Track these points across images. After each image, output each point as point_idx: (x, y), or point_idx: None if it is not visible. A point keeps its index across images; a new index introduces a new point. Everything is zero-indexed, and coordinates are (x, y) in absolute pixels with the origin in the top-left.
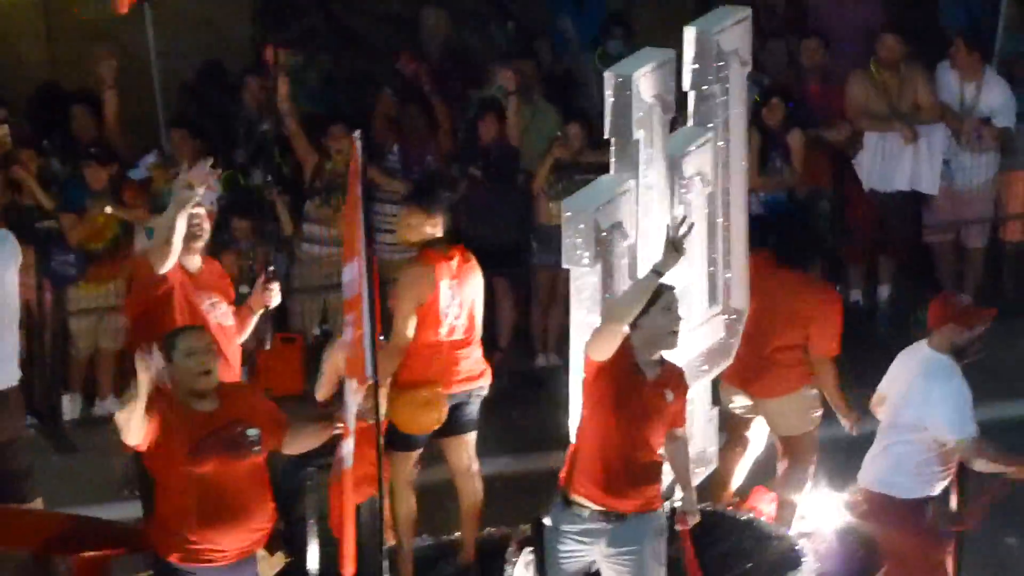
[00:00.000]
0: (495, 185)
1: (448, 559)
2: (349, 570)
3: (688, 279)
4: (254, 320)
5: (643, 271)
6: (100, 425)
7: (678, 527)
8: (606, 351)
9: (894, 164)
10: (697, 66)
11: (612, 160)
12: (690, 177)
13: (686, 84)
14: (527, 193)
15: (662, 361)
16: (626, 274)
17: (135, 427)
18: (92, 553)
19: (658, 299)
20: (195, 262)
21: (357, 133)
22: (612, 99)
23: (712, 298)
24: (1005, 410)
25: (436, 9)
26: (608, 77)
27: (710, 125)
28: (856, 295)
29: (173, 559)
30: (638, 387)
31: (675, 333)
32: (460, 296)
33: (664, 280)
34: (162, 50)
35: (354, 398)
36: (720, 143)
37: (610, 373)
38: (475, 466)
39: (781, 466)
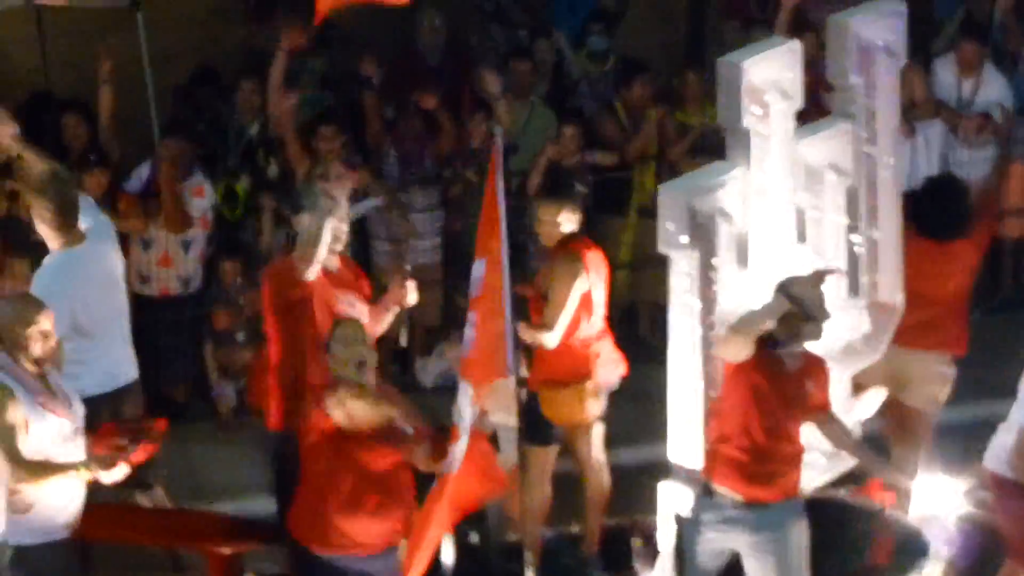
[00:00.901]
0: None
1: (570, 550)
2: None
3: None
4: (389, 318)
5: (756, 258)
6: None
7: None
8: (738, 357)
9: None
10: (836, 57)
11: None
12: (819, 168)
13: (829, 75)
14: (521, 195)
15: (804, 352)
16: (733, 260)
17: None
18: (225, 548)
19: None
20: (333, 262)
21: (499, 130)
22: (722, 87)
23: (852, 290)
24: (1004, 407)
25: (432, 10)
26: (720, 64)
27: (849, 117)
28: None
29: (323, 551)
30: (780, 379)
31: (817, 329)
32: (599, 286)
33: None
34: (154, 54)
35: (468, 399)
36: (864, 135)
37: (751, 366)
38: (602, 457)
39: (896, 452)
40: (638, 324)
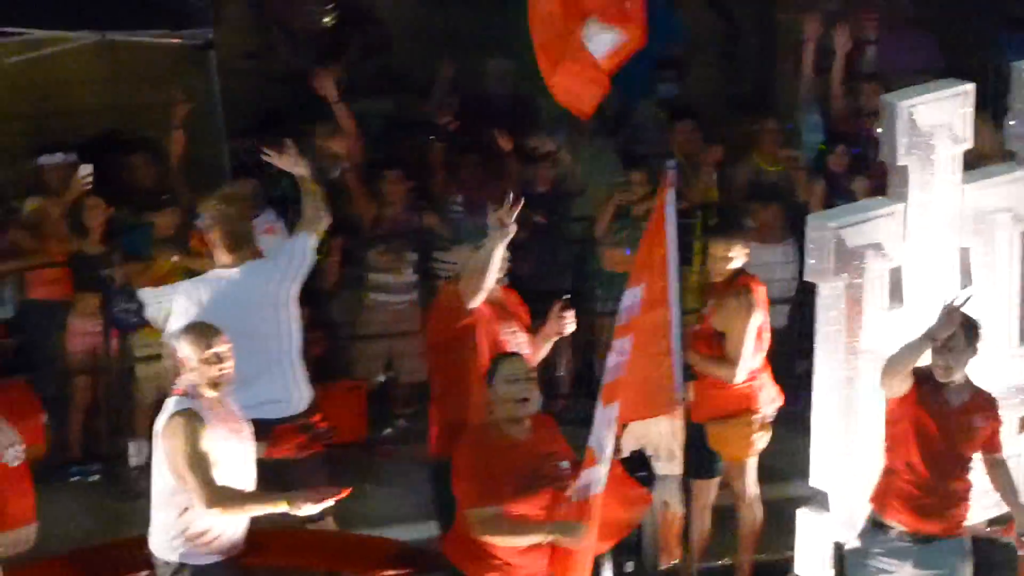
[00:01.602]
0: (555, 231)
1: None
2: None
3: (995, 313)
4: (548, 347)
5: (911, 292)
6: None
7: (1017, 546)
8: (895, 392)
9: None
10: (1019, 105)
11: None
12: (993, 211)
13: (1008, 120)
14: (586, 239)
15: (971, 387)
16: (884, 294)
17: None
18: (387, 572)
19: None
20: (496, 292)
21: (671, 163)
22: (884, 124)
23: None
24: None
25: (502, 60)
26: (882, 102)
27: None
28: None
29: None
30: (944, 413)
31: (962, 362)
32: (766, 320)
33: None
34: (226, 95)
35: (608, 425)
36: None
37: (912, 399)
38: (755, 490)
39: None
40: None
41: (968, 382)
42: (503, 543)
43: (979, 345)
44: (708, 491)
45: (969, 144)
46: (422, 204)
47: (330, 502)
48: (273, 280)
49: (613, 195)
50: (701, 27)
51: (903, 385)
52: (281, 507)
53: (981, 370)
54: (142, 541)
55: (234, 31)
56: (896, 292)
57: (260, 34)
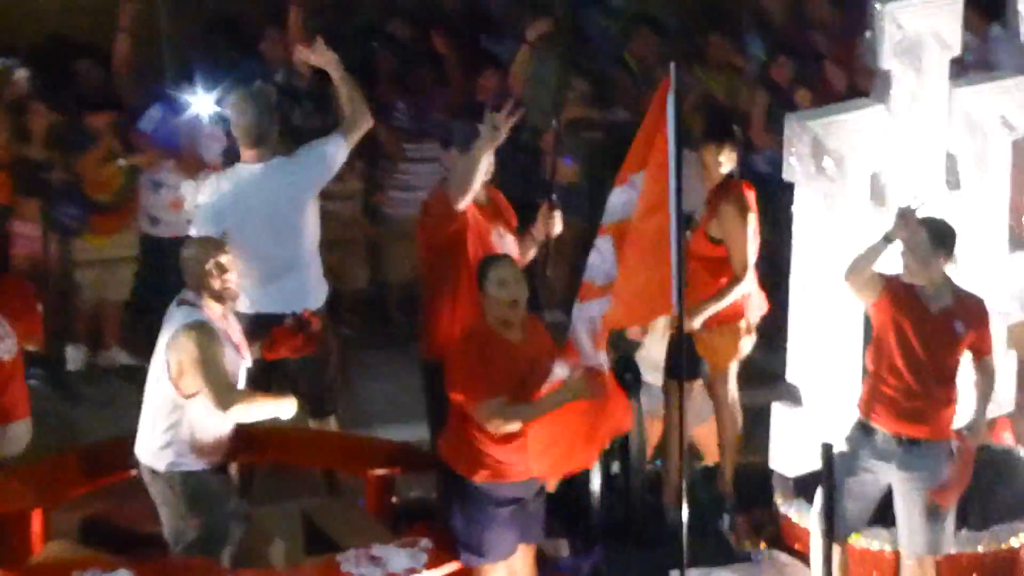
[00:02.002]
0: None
1: (705, 485)
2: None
3: (984, 223)
4: (535, 248)
5: (896, 199)
6: (104, 375)
7: (956, 443)
8: (866, 297)
9: None
10: (1013, 18)
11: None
12: (981, 119)
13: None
14: (533, 150)
15: (953, 292)
16: (866, 197)
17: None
18: (381, 471)
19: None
20: (483, 195)
21: (673, 66)
22: (873, 30)
23: (1019, 244)
24: None
25: None
26: (871, 7)
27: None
28: None
29: (471, 476)
30: (923, 318)
31: (927, 266)
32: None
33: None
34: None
35: (587, 322)
36: None
37: (889, 305)
38: (736, 395)
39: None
40: None
41: (950, 287)
42: (509, 428)
43: (951, 250)
44: (689, 393)
45: (958, 51)
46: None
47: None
48: (297, 179)
49: (560, 106)
50: None
51: (870, 289)
52: (288, 405)
53: (972, 276)
54: (122, 444)
55: None
56: (878, 195)
57: None
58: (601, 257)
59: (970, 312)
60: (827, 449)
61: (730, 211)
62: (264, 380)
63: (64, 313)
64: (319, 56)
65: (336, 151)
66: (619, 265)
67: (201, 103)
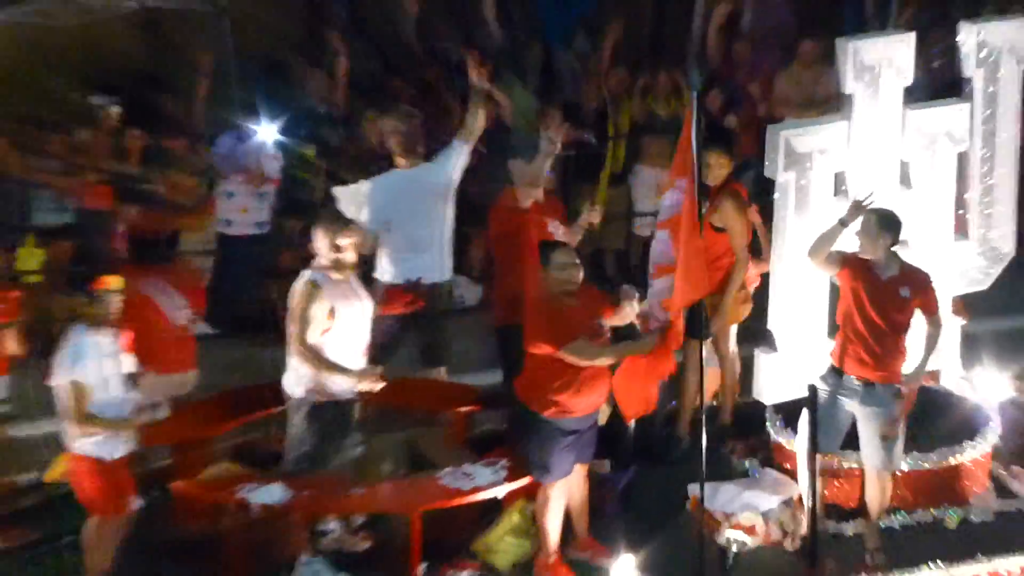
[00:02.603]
0: (494, 159)
1: (711, 421)
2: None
3: (936, 216)
4: (579, 235)
5: (855, 193)
6: None
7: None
8: (829, 270)
9: None
10: (965, 57)
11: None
12: (931, 134)
13: (965, 70)
14: None
15: (900, 265)
16: (828, 191)
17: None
18: (465, 408)
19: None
20: (541, 194)
21: (695, 75)
22: (839, 58)
23: (963, 234)
24: None
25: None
26: (838, 41)
27: (968, 99)
28: None
29: (545, 413)
30: (876, 286)
31: (875, 244)
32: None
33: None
34: (237, 48)
35: (659, 294)
36: (986, 112)
37: (847, 274)
38: (735, 348)
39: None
40: (605, 266)
41: (897, 261)
42: (595, 363)
43: (895, 232)
44: (699, 349)
45: (910, 80)
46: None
47: (379, 384)
48: (438, 179)
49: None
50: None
51: (831, 263)
52: (351, 379)
53: (924, 257)
54: (263, 387)
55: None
56: (838, 189)
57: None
58: (662, 246)
59: (914, 280)
60: (812, 389)
61: (730, 205)
62: (399, 335)
63: None
64: (482, 74)
65: (461, 155)
66: (675, 252)
67: (263, 131)
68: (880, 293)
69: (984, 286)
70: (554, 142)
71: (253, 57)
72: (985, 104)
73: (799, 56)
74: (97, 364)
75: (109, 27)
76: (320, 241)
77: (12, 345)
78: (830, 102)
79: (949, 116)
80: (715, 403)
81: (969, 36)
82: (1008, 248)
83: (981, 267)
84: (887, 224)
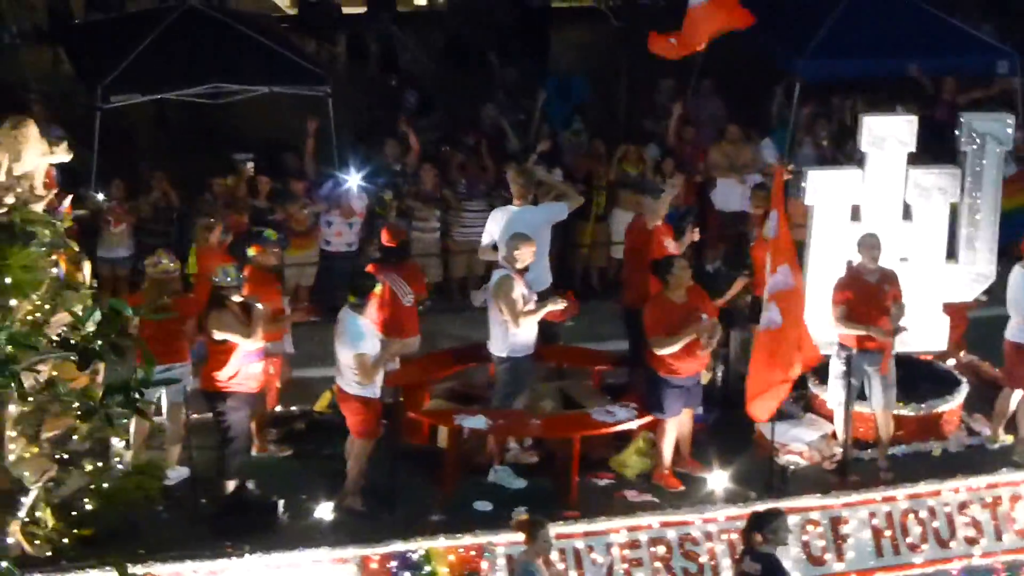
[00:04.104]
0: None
1: None
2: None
3: (930, 244)
4: (683, 249)
5: (869, 221)
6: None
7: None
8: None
9: (730, 194)
10: (962, 139)
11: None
12: (928, 188)
13: (959, 146)
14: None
15: (880, 269)
16: (847, 218)
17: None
18: (602, 367)
19: (863, 243)
20: (660, 220)
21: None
22: (860, 129)
23: (950, 256)
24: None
25: (490, 106)
26: (862, 118)
27: (962, 170)
28: (711, 266)
29: (662, 373)
30: (866, 287)
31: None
32: None
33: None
34: (337, 120)
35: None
36: (969, 178)
37: (847, 283)
38: None
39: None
40: (592, 279)
41: (878, 268)
42: (664, 352)
43: (873, 248)
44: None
45: (912, 147)
46: (443, 184)
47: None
48: (541, 217)
49: (669, 184)
50: (600, 92)
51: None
52: (552, 307)
53: (920, 275)
54: (469, 347)
55: (340, 87)
56: (855, 216)
57: (357, 89)
58: (770, 315)
59: (891, 279)
60: (849, 354)
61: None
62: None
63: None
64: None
65: (561, 211)
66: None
67: (353, 179)
68: (871, 293)
69: (969, 299)
70: (675, 186)
71: (348, 127)
72: (971, 171)
73: (727, 136)
74: (371, 338)
75: (248, 104)
76: (508, 250)
77: (299, 315)
78: (748, 168)
79: (943, 177)
80: None
81: (964, 123)
82: (990, 273)
83: (967, 284)
84: (860, 243)
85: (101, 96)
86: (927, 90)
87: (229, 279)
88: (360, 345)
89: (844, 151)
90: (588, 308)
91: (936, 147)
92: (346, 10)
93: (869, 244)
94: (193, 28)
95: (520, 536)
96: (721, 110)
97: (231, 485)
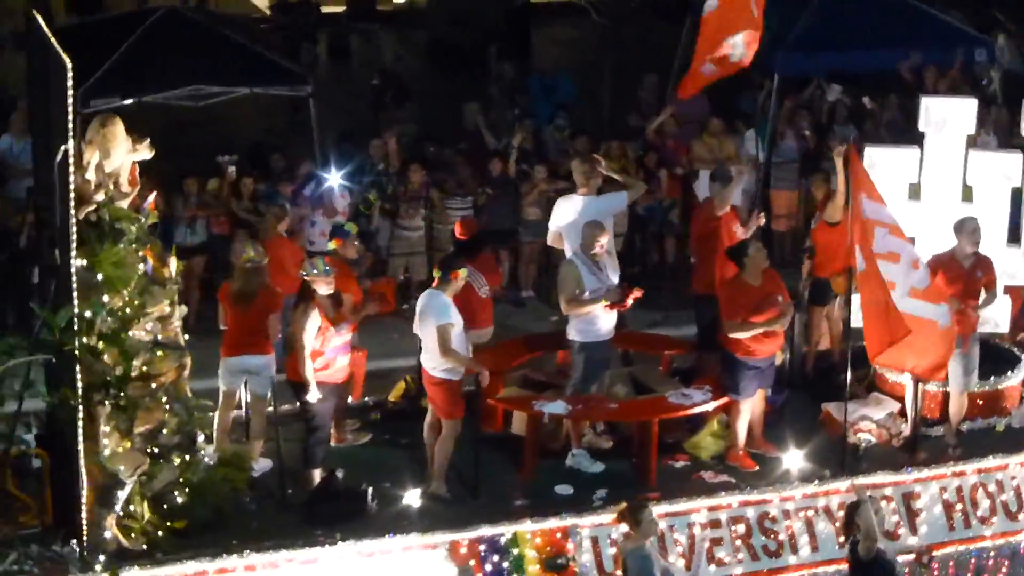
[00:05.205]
0: (501, 198)
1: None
2: None
3: (992, 227)
4: (750, 234)
5: (928, 200)
6: None
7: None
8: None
9: None
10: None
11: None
12: (989, 171)
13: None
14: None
15: (976, 255)
16: (905, 195)
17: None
18: (671, 352)
19: (963, 227)
20: (728, 207)
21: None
22: (919, 112)
23: (1011, 240)
24: None
25: (473, 105)
26: (921, 100)
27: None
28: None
29: (738, 354)
30: (960, 272)
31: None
32: None
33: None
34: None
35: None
36: None
37: (937, 264)
38: (839, 312)
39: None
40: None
41: (975, 254)
42: (742, 336)
43: (974, 234)
44: (822, 313)
45: (971, 130)
46: (430, 183)
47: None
48: (604, 207)
49: (736, 170)
50: (584, 88)
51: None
52: (606, 298)
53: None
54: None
55: (322, 88)
56: (913, 196)
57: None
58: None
59: (985, 265)
60: None
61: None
62: None
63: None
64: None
65: (623, 201)
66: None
67: (335, 178)
68: (966, 278)
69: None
70: (743, 173)
71: (331, 127)
72: None
73: (709, 129)
74: (455, 314)
75: (230, 106)
76: (587, 237)
77: (375, 307)
78: (731, 160)
79: (1005, 161)
80: (829, 350)
81: None
82: None
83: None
84: (959, 227)
85: (81, 100)
86: (908, 81)
87: (316, 272)
88: (443, 317)
89: (827, 141)
90: None
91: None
92: (325, 10)
93: (968, 228)
94: (174, 31)
95: (608, 518)
96: (703, 105)
97: (317, 474)
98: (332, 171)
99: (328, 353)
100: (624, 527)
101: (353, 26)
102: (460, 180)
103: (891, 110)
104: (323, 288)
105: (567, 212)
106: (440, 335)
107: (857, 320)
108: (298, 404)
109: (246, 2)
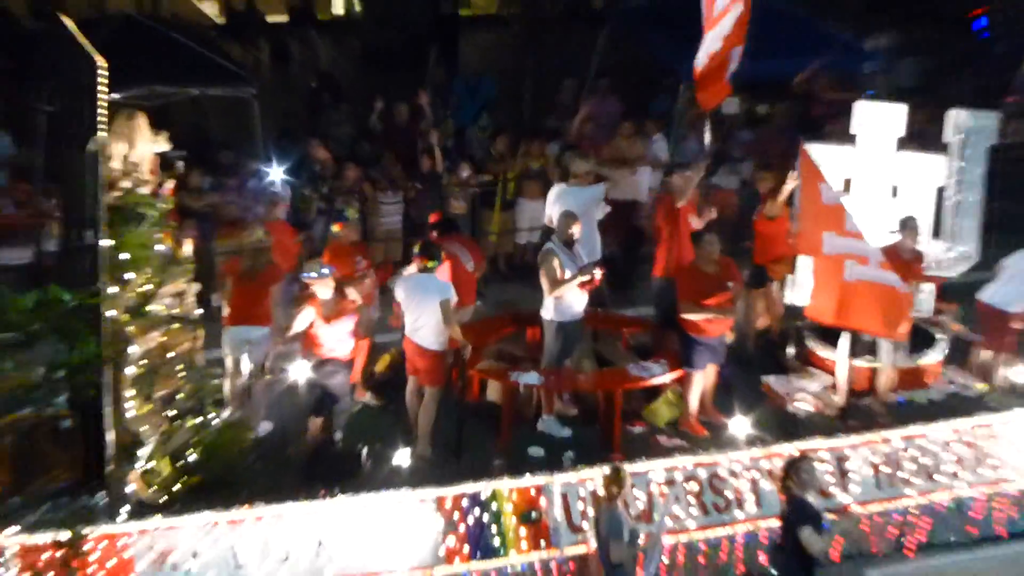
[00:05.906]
0: (429, 193)
1: (763, 338)
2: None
3: (924, 223)
4: (704, 224)
5: (859, 193)
6: None
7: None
8: None
9: (624, 184)
10: (948, 135)
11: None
12: (915, 171)
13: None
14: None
15: (914, 249)
16: (841, 188)
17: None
18: (630, 329)
19: (907, 224)
20: (686, 199)
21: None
22: (854, 120)
23: (936, 235)
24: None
25: (403, 105)
26: (857, 106)
27: (959, 161)
28: (607, 251)
29: (690, 332)
30: (900, 262)
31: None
32: None
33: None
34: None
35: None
36: (961, 164)
37: (887, 256)
38: (781, 294)
39: None
40: (498, 263)
41: (913, 248)
42: (696, 318)
43: (912, 228)
44: (763, 295)
45: (902, 133)
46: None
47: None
48: (580, 198)
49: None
50: (506, 92)
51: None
52: (579, 278)
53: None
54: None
55: (265, 90)
56: (846, 190)
57: (284, 91)
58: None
59: (919, 257)
60: None
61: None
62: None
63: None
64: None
65: (600, 192)
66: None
67: (276, 172)
68: (902, 264)
69: (954, 275)
70: (700, 172)
71: (273, 127)
72: (959, 159)
73: (620, 131)
74: (454, 294)
75: (181, 106)
76: (559, 225)
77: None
78: (640, 160)
79: (931, 163)
80: (769, 328)
81: (951, 118)
82: (972, 253)
83: (951, 263)
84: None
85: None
86: (802, 89)
87: (315, 275)
88: (446, 293)
89: (728, 145)
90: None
91: (816, 138)
92: (269, 19)
93: (912, 226)
94: (130, 35)
95: (576, 477)
96: (616, 108)
97: (339, 435)
98: (273, 166)
99: (332, 342)
100: (600, 489)
101: (294, 32)
102: (391, 176)
103: (784, 116)
104: (323, 292)
105: (552, 201)
106: (444, 310)
107: (806, 295)
108: (314, 375)
109: (197, 10)
